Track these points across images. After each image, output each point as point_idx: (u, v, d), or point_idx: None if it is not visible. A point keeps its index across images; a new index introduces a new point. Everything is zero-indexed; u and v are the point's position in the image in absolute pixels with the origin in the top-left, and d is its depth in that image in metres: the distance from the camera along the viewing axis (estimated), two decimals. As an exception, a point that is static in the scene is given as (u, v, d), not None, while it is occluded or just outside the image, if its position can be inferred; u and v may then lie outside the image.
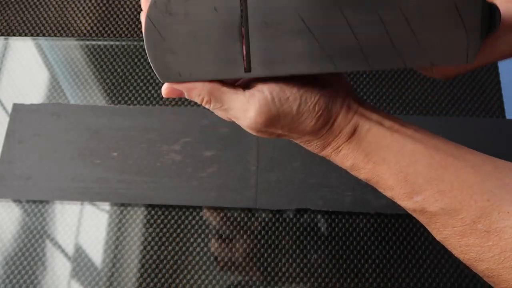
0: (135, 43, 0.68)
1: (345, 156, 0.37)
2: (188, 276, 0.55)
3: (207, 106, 0.37)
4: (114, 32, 0.70)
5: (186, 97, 0.37)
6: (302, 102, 0.36)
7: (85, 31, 0.70)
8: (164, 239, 0.57)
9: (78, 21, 0.71)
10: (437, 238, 0.36)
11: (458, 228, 0.34)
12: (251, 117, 0.35)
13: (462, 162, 0.35)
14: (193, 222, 0.58)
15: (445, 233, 0.35)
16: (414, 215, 0.37)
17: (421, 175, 0.35)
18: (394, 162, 0.36)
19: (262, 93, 0.36)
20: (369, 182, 0.38)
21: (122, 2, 0.72)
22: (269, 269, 0.55)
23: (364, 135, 0.37)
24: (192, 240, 0.57)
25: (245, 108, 0.35)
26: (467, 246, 0.34)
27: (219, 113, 0.38)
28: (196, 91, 0.36)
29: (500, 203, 0.33)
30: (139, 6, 0.72)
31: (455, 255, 0.35)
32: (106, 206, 0.59)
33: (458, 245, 0.35)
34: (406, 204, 0.36)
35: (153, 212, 0.59)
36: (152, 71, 0.66)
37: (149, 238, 0.57)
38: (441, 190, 0.35)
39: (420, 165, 0.36)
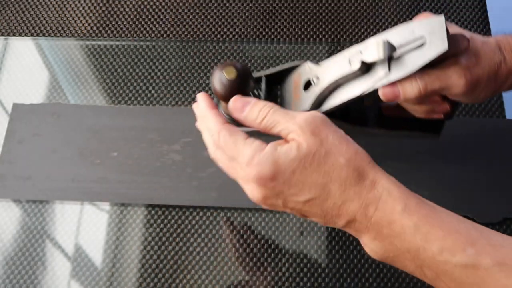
0: (135, 43, 0.68)
1: (397, 199, 0.37)
2: (188, 276, 0.55)
3: (257, 121, 0.42)
4: (114, 32, 0.70)
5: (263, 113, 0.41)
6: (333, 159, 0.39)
7: (85, 31, 0.70)
8: (164, 239, 0.57)
9: (78, 21, 0.71)
10: None
11: None
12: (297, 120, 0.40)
13: (494, 231, 0.36)
14: (193, 222, 0.58)
15: None
16: (463, 274, 0.35)
17: (472, 229, 0.36)
18: (444, 215, 0.37)
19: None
20: (417, 234, 0.36)
21: (122, 2, 0.72)
22: (269, 269, 0.55)
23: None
24: (192, 240, 0.57)
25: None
26: None
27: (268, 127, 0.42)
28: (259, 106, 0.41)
29: None
30: (139, 6, 0.72)
31: None
32: (106, 206, 0.59)
33: None
34: (459, 259, 0.35)
35: (153, 212, 0.59)
36: (152, 71, 0.66)
37: (149, 238, 0.57)
38: (492, 244, 0.34)
39: (466, 223, 0.36)
